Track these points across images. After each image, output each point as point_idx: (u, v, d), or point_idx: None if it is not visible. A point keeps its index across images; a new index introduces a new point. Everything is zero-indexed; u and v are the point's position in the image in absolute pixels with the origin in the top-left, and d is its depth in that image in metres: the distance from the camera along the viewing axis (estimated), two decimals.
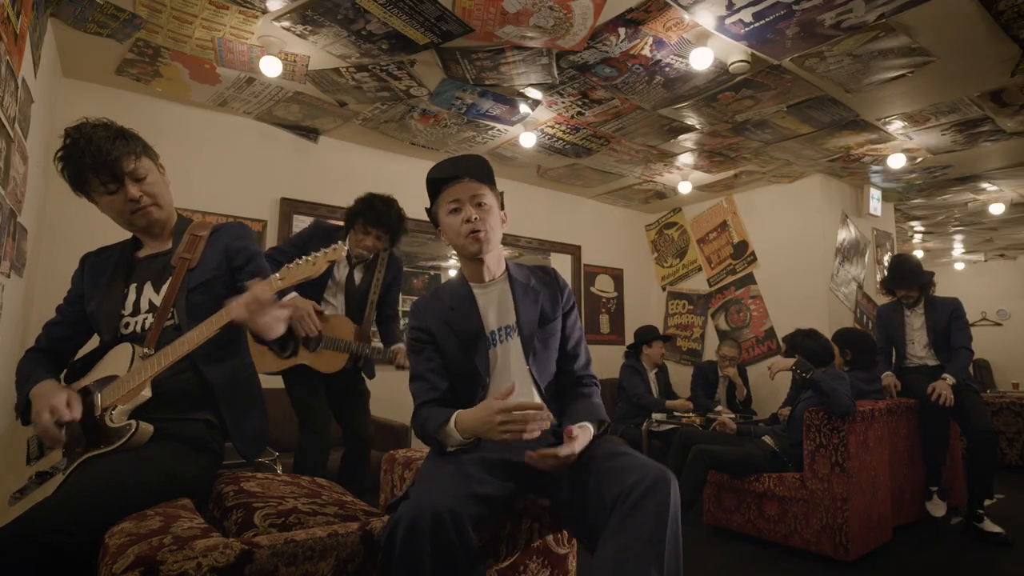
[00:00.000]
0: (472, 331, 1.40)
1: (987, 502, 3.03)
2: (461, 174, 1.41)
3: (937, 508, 3.21)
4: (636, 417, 4.02)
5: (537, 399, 1.39)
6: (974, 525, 2.96)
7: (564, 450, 1.18)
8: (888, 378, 3.35)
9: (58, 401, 1.24)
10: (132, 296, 1.44)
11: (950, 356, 3.24)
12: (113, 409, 1.30)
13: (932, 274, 3.44)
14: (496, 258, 1.47)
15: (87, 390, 1.35)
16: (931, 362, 3.34)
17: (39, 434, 1.26)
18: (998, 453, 3.13)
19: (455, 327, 1.40)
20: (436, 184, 1.44)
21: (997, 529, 2.89)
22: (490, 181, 1.44)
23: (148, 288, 1.44)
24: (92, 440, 1.28)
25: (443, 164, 1.44)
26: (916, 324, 3.40)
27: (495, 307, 1.43)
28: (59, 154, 1.36)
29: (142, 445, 1.28)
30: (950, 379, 3.08)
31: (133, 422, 1.26)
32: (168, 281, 1.43)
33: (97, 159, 1.33)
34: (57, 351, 1.49)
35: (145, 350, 1.35)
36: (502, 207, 1.48)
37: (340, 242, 1.32)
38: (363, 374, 2.56)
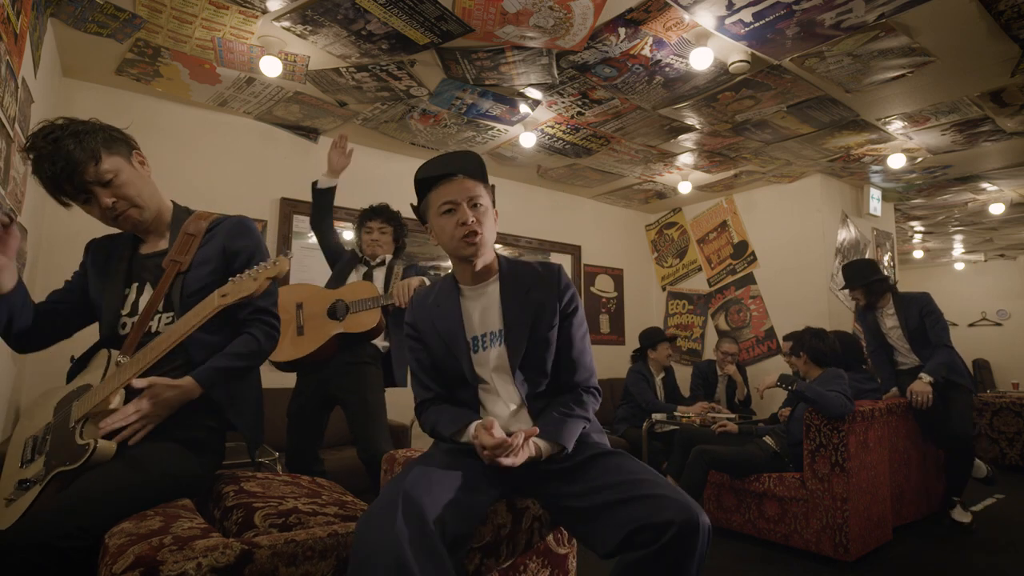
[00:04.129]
0: (452, 333, 1.35)
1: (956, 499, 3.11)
2: (455, 171, 1.34)
3: (963, 516, 3.11)
4: (638, 418, 4.01)
5: (524, 413, 1.35)
6: (948, 514, 3.08)
7: (505, 461, 1.15)
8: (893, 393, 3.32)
9: None
10: (132, 296, 1.41)
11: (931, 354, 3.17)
12: (84, 422, 1.26)
13: (885, 277, 3.35)
14: (487, 259, 1.38)
15: (67, 398, 1.34)
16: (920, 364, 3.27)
17: None
18: (973, 458, 3.13)
19: (438, 327, 1.37)
20: (427, 182, 1.36)
21: (965, 520, 2.98)
22: (484, 178, 1.37)
23: (148, 289, 1.41)
24: (67, 454, 1.24)
25: (434, 162, 1.37)
26: (889, 324, 3.33)
27: (479, 311, 1.38)
28: (31, 165, 1.26)
29: (139, 450, 1.26)
30: (927, 377, 3.04)
31: (91, 441, 1.22)
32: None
33: (56, 167, 1.23)
34: (50, 310, 1.42)
35: (120, 358, 1.30)
36: (493, 203, 1.41)
37: (282, 255, 1.28)
38: (369, 379, 2.42)
